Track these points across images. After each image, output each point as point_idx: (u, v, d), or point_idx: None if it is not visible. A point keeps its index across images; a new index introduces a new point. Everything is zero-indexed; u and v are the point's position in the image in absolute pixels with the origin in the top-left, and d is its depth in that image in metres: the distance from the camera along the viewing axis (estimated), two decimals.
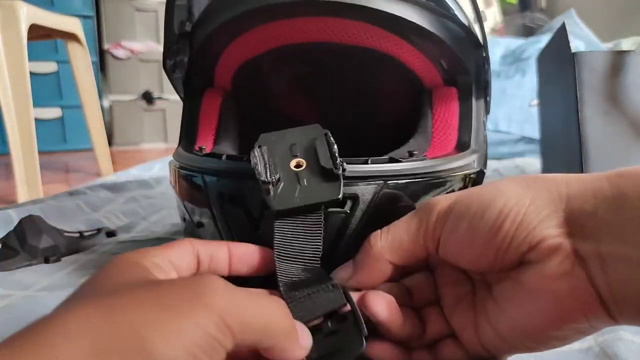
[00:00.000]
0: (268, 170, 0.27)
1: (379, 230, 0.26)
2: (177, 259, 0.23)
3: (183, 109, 0.43)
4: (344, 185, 0.29)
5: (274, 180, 0.27)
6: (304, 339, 0.22)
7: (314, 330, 0.23)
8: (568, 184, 0.22)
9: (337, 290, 0.24)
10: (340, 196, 0.27)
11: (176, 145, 0.42)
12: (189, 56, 0.42)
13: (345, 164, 0.28)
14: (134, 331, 0.16)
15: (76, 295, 0.19)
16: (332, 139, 0.29)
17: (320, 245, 0.27)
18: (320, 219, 0.27)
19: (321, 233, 0.27)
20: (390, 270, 0.26)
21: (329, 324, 0.24)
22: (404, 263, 0.26)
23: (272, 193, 0.27)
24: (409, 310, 0.26)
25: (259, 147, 0.29)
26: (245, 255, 0.27)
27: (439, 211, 0.24)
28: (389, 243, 0.25)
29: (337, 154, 0.28)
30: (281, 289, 0.25)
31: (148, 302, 0.17)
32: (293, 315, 0.22)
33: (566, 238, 0.21)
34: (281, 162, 0.28)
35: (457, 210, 0.24)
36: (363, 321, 0.23)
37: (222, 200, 0.32)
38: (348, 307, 0.24)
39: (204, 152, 0.36)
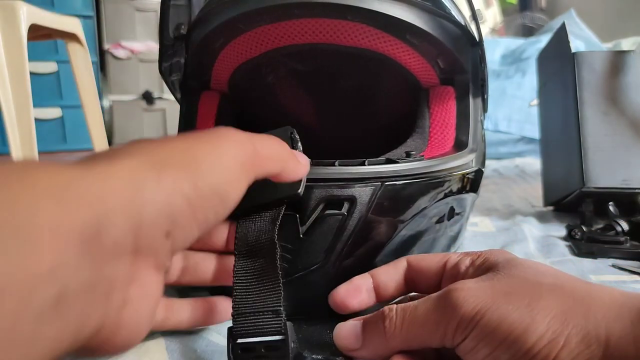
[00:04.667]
0: None
1: (393, 308, 0.24)
2: None
3: (180, 111, 0.43)
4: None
5: None
6: (303, 158, 0.27)
7: (248, 350, 0.23)
8: (607, 322, 0.20)
9: (278, 318, 0.24)
10: (300, 191, 0.27)
11: None
12: (185, 58, 0.42)
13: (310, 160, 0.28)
14: (185, 151, 0.20)
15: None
16: (297, 136, 0.29)
17: (275, 242, 0.26)
18: (279, 214, 0.27)
19: (276, 229, 0.26)
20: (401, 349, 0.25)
21: (262, 349, 0.23)
22: (416, 348, 0.25)
23: None
24: None
25: None
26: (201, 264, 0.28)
27: (462, 317, 0.21)
28: (403, 333, 0.23)
29: (300, 150, 0.29)
30: (234, 292, 0.24)
31: (194, 137, 0.22)
32: (234, 331, 0.24)
33: None
34: None
35: (482, 326, 0.21)
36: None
37: None
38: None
39: None
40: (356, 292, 0.29)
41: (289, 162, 0.26)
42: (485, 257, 0.26)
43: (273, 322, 0.23)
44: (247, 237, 0.26)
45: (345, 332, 0.26)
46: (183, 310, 0.28)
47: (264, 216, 0.27)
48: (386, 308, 0.25)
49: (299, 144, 0.29)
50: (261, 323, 0.23)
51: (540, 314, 0.20)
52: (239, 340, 0.23)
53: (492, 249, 0.27)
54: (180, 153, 0.20)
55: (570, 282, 0.22)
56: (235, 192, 0.22)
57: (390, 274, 0.29)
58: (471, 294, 0.22)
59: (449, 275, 0.27)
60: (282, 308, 0.24)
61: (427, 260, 0.29)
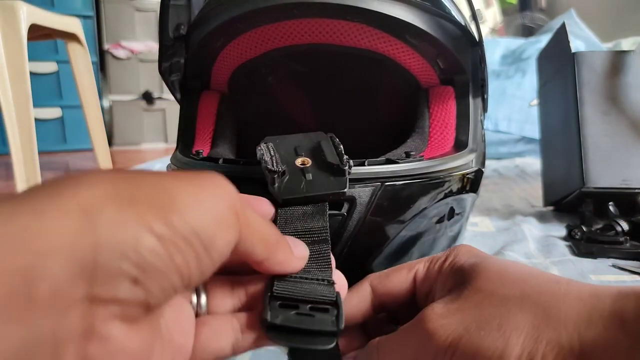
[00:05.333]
0: (274, 161, 0.27)
1: (375, 342, 0.24)
2: None
3: (180, 111, 0.43)
4: None
5: (280, 170, 0.27)
6: (300, 250, 0.22)
7: (289, 307, 0.22)
8: (579, 330, 0.19)
9: (331, 287, 0.23)
10: (346, 189, 0.27)
11: (176, 146, 0.42)
12: (185, 58, 0.42)
13: (351, 161, 0.28)
14: (163, 188, 0.16)
15: None
16: (337, 140, 0.29)
17: (327, 235, 0.25)
18: (326, 209, 0.26)
19: (326, 223, 0.26)
20: None
21: (307, 307, 0.22)
22: None
23: (277, 183, 0.26)
24: None
25: (265, 143, 0.29)
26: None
27: (437, 348, 0.21)
28: None
29: (343, 153, 0.28)
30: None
31: (172, 175, 0.18)
32: (274, 291, 0.22)
33: None
34: (287, 159, 0.28)
35: (459, 356, 0.21)
36: (342, 322, 0.22)
37: None
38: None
39: (201, 155, 0.36)
40: None
41: (279, 251, 0.21)
42: (451, 263, 0.26)
43: (325, 290, 0.23)
44: (294, 225, 0.26)
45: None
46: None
47: (307, 210, 0.26)
48: (373, 341, 0.24)
49: (341, 147, 0.28)
50: (311, 289, 0.23)
51: (513, 335, 0.20)
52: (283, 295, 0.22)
53: (456, 247, 0.27)
54: (151, 186, 0.16)
55: (536, 288, 0.22)
56: (222, 241, 0.18)
57: (354, 303, 0.27)
58: (441, 322, 0.22)
59: (422, 290, 0.27)
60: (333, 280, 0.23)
61: (394, 280, 0.27)
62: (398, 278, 0.27)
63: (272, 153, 0.28)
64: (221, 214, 0.18)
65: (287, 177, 0.27)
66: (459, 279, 0.24)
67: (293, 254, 0.22)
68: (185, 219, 0.16)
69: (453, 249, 0.26)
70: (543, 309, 0.20)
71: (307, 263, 0.24)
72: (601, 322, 0.19)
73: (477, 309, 0.22)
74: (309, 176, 0.27)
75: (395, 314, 0.28)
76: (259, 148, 0.28)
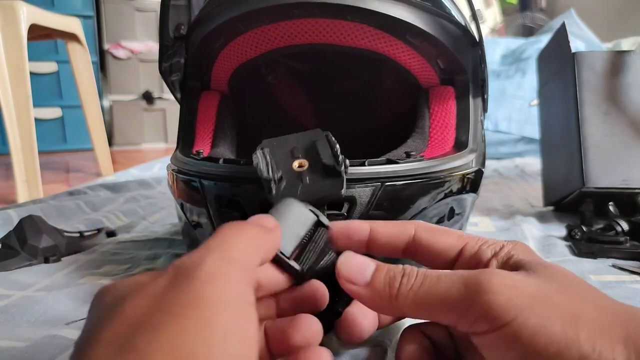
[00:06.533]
0: (270, 168, 0.27)
1: (415, 270, 0.22)
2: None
3: (180, 111, 0.43)
4: None
5: (276, 178, 0.27)
6: (268, 221, 0.23)
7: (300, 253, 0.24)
8: None
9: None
10: (343, 191, 0.27)
11: (176, 146, 0.42)
12: (185, 58, 0.42)
13: (347, 160, 0.28)
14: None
15: None
16: (333, 138, 0.29)
17: None
18: (321, 213, 0.26)
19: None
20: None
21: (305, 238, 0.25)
22: (421, 319, 0.23)
23: (274, 191, 0.26)
24: None
25: (261, 148, 0.29)
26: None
27: (491, 306, 0.19)
28: (417, 298, 0.21)
29: (339, 152, 0.28)
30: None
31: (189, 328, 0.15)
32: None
33: None
34: (283, 163, 0.28)
35: (516, 327, 0.18)
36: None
37: (219, 203, 0.32)
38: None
39: (201, 155, 0.36)
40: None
41: (264, 245, 0.21)
42: (509, 253, 0.24)
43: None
44: None
45: (355, 264, 0.23)
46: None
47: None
48: (407, 266, 0.22)
49: (337, 146, 0.28)
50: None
51: (585, 331, 0.18)
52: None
53: (514, 242, 0.25)
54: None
55: (599, 294, 0.20)
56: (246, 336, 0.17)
57: (392, 233, 0.25)
58: (508, 282, 0.19)
59: (466, 265, 0.24)
60: None
61: (441, 240, 0.25)
62: (446, 240, 0.25)
63: (268, 160, 0.28)
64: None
65: (284, 184, 0.27)
66: (520, 269, 0.22)
67: (267, 233, 0.22)
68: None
69: (511, 242, 0.24)
70: (612, 313, 0.19)
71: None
72: None
73: (548, 291, 0.20)
74: (306, 180, 0.27)
75: None
76: (255, 155, 0.28)
